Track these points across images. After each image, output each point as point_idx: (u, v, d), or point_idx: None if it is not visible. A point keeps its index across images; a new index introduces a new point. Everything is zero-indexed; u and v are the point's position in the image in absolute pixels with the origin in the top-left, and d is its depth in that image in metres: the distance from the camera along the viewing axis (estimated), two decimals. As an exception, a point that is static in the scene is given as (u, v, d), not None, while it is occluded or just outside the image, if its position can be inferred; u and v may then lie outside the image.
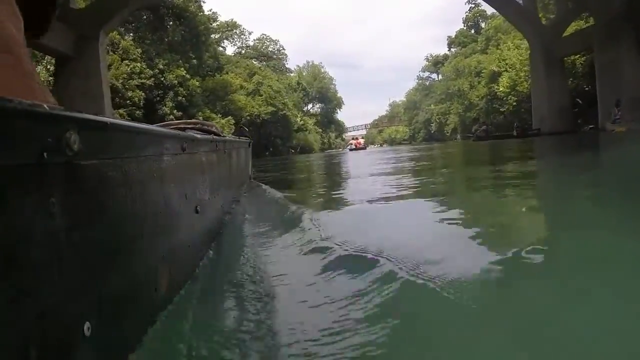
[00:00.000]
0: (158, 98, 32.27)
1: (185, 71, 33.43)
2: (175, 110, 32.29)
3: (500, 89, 38.44)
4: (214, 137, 2.37)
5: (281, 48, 68.78)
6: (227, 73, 41.91)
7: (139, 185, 0.95)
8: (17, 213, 0.54)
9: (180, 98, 32.69)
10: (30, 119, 0.57)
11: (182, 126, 2.52)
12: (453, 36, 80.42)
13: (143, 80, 31.03)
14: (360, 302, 1.35)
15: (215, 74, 41.25)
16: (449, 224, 2.60)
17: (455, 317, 1.20)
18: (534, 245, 1.75)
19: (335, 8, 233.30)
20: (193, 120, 2.94)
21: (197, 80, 34.08)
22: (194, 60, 37.55)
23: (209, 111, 34.34)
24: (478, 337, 1.09)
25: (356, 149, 41.29)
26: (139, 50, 32.19)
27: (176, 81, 32.71)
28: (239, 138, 4.48)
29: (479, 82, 50.21)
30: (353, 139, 54.90)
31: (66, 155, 0.64)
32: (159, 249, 1.09)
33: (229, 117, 33.83)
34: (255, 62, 53.21)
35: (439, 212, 3.09)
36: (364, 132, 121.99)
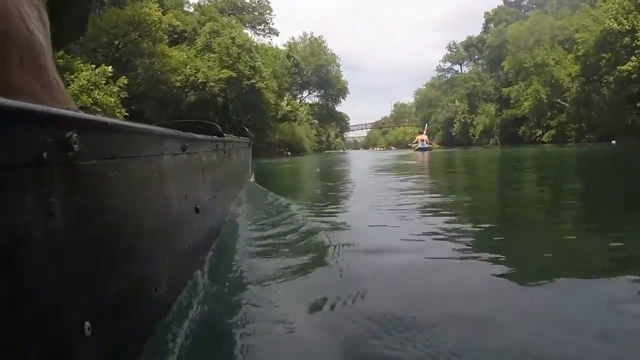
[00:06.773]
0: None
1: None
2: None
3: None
4: (215, 137, 2.37)
5: (266, 1, 46.83)
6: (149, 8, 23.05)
7: (139, 185, 0.95)
8: (17, 213, 0.54)
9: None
10: (30, 120, 0.56)
11: (183, 125, 2.30)
12: (491, 13, 63.44)
13: None
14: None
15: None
16: None
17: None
18: None
19: (328, 16, 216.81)
20: (194, 121, 2.93)
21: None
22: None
23: (72, 58, 15.88)
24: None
25: (426, 149, 35.46)
26: None
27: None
28: (239, 138, 4.35)
29: (565, 56, 32.39)
30: (419, 133, 48.63)
31: (66, 156, 0.63)
32: (159, 249, 1.07)
33: (103, 67, 15.39)
34: (222, 16, 34.69)
35: None
36: (364, 132, 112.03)
